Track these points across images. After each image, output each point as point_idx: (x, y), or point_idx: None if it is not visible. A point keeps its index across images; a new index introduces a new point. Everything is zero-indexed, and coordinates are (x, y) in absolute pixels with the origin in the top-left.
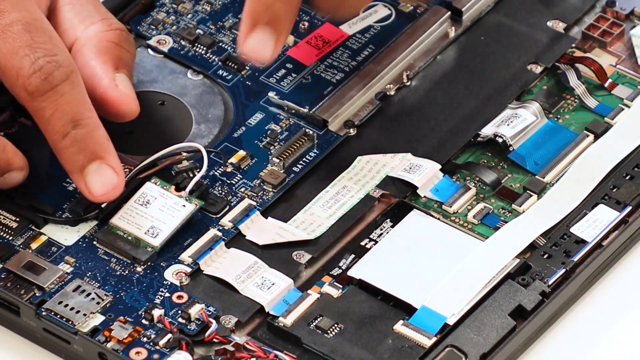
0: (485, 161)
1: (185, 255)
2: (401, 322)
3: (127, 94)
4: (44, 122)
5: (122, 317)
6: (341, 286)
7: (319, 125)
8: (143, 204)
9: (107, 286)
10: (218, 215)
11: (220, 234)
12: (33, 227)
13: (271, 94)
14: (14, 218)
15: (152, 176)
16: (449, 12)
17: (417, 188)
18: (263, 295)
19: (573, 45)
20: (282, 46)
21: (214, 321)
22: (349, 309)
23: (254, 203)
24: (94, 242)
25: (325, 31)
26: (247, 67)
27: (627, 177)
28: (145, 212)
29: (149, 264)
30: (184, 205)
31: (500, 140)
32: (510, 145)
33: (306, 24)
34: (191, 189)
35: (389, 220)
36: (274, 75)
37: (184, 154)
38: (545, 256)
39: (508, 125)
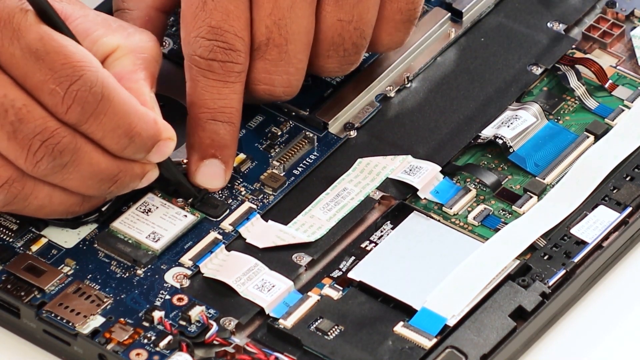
0: (486, 163)
1: (186, 258)
2: (401, 323)
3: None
4: (98, 141)
5: (122, 319)
6: (341, 288)
7: (319, 128)
8: (145, 212)
9: (107, 288)
10: (218, 219)
11: (220, 237)
12: (33, 229)
13: None
14: (14, 220)
15: (153, 187)
16: (449, 14)
17: (417, 190)
18: (263, 297)
19: (573, 46)
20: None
21: (214, 323)
22: (349, 310)
23: (254, 206)
24: (95, 245)
25: None
26: None
27: (628, 178)
28: (146, 218)
29: (149, 266)
30: (185, 216)
31: (500, 141)
32: (511, 146)
33: None
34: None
35: (389, 222)
36: None
37: (184, 160)
38: (545, 257)
39: (508, 126)
